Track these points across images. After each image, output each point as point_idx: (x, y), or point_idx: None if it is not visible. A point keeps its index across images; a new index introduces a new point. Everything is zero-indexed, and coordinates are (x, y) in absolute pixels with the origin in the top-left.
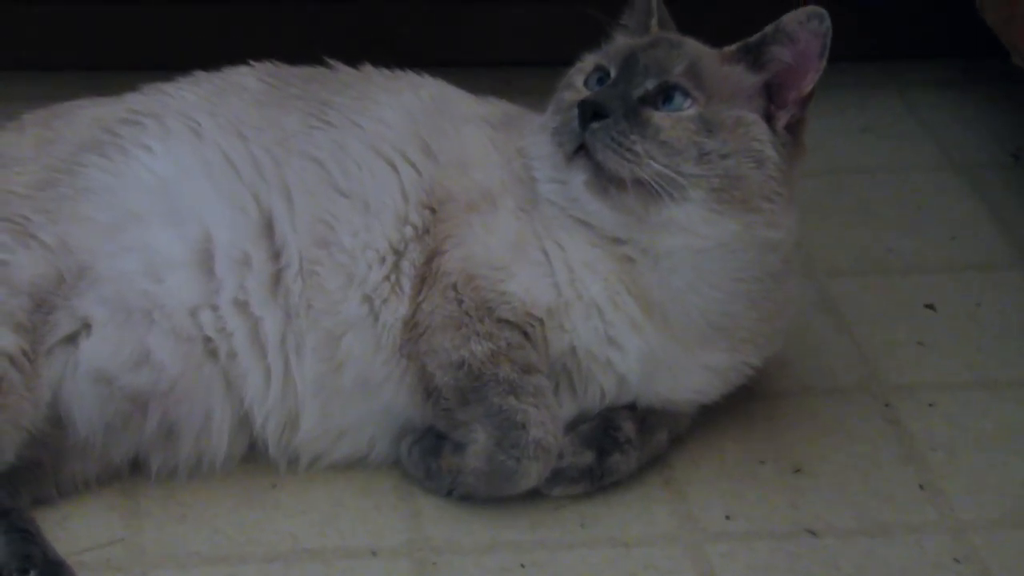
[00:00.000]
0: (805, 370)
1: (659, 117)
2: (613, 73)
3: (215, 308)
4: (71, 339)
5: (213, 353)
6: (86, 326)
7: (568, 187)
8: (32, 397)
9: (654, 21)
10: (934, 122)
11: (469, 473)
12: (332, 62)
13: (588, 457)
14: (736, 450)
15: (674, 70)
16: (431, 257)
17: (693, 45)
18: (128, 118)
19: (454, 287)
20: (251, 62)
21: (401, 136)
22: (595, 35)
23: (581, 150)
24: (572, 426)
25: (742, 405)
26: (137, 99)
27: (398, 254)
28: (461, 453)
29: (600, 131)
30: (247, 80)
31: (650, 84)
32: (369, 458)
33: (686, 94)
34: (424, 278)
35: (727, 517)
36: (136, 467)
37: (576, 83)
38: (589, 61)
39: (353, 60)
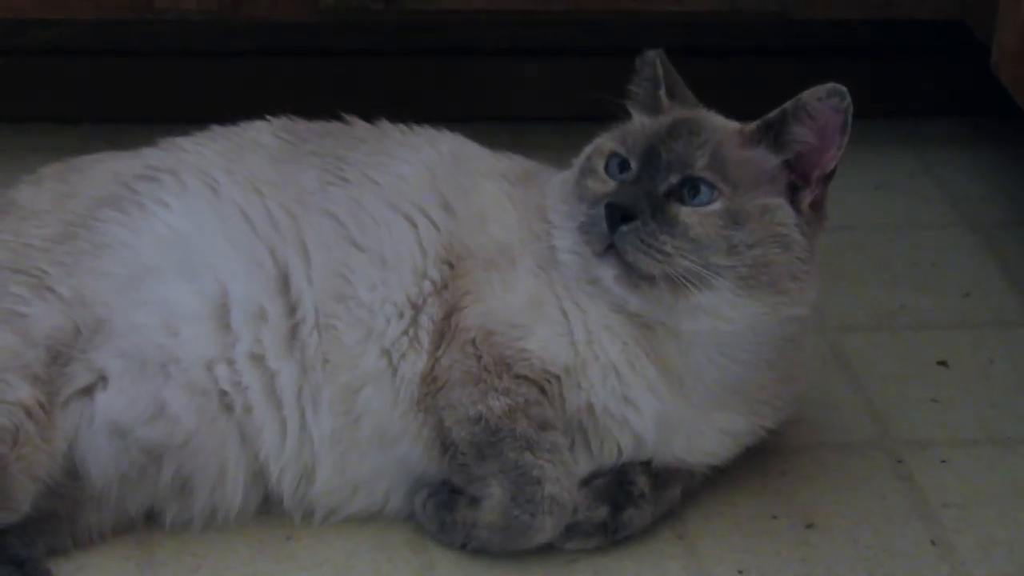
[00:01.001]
0: (818, 426)
1: (686, 213)
2: (634, 165)
3: (231, 362)
4: (87, 391)
5: (228, 407)
6: (102, 379)
7: (597, 279)
8: (48, 448)
9: (662, 92)
10: (949, 180)
11: (484, 527)
12: (348, 117)
13: (602, 512)
14: (749, 505)
15: (697, 163)
16: (450, 312)
17: (712, 128)
18: (145, 174)
19: (473, 343)
20: (267, 117)
21: (419, 191)
22: (607, 90)
23: (611, 249)
24: (586, 481)
25: (755, 460)
26: (154, 155)
27: (416, 308)
28: (476, 507)
29: (629, 234)
30: (263, 136)
31: (674, 178)
32: (384, 512)
33: (711, 187)
34: (443, 333)
35: (740, 572)
36: (151, 518)
37: (598, 169)
38: (607, 144)
39: (370, 114)
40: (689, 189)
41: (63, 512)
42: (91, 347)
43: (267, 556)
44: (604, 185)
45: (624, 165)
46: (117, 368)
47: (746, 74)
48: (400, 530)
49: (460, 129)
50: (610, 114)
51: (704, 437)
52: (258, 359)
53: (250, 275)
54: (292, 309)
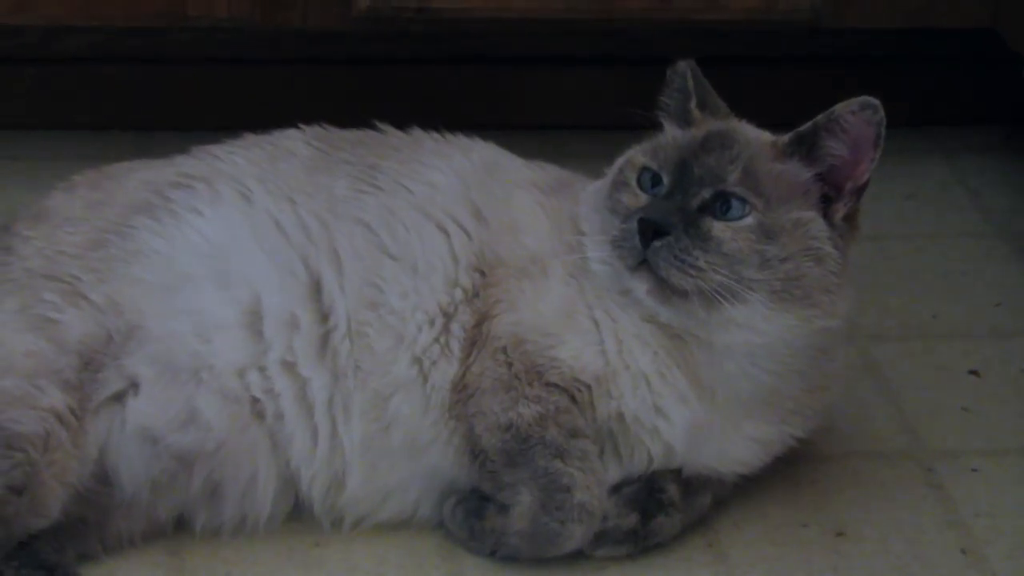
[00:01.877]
0: (849, 434)
1: (719, 228)
2: (666, 180)
3: (263, 369)
4: (118, 398)
5: (260, 414)
6: (133, 385)
7: (629, 291)
8: (79, 454)
9: (693, 105)
10: (979, 189)
11: (513, 534)
12: (381, 125)
13: (632, 519)
14: (779, 513)
15: (729, 178)
16: (481, 320)
17: (744, 141)
18: (179, 182)
19: (504, 351)
20: (300, 125)
21: (451, 199)
22: (640, 98)
23: (643, 264)
24: (616, 488)
25: (786, 468)
26: (188, 163)
27: (448, 316)
28: (505, 515)
29: (663, 249)
30: (296, 145)
31: (706, 193)
32: (413, 519)
33: (744, 201)
34: (474, 341)
35: None
36: (181, 525)
37: (631, 183)
38: (639, 158)
39: (402, 122)
40: (721, 204)
41: (93, 518)
42: (123, 353)
43: (295, 563)
44: (637, 199)
45: (656, 179)
46: (149, 374)
47: (777, 82)
48: (429, 537)
49: (491, 137)
50: (642, 123)
51: (734, 446)
52: (290, 366)
53: (283, 284)
54: (324, 316)
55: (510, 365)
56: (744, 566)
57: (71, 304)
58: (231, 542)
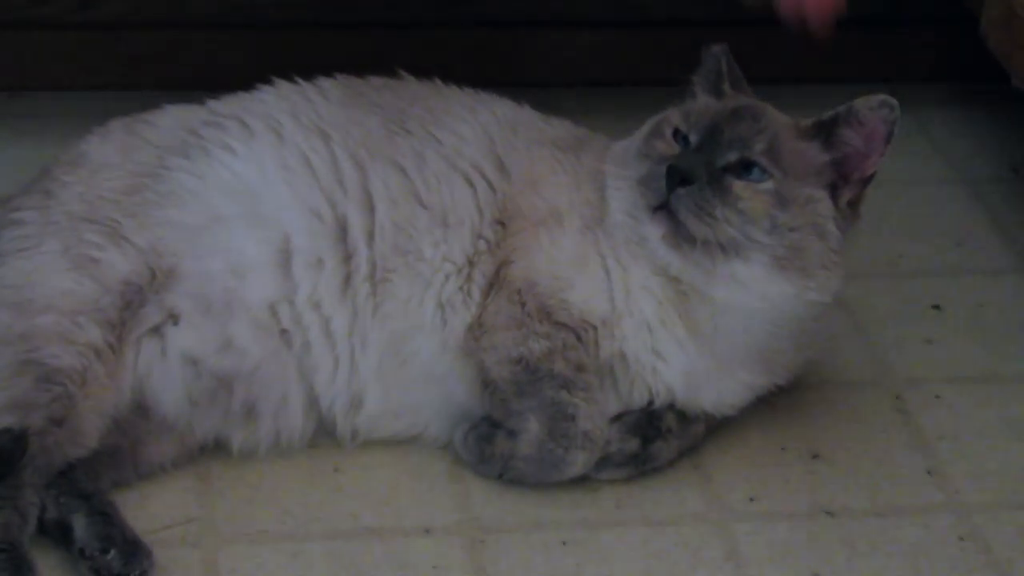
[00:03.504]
0: (823, 365)
1: (739, 186)
2: (694, 138)
3: (292, 304)
4: (158, 329)
5: (288, 343)
6: (173, 316)
7: (644, 235)
8: (115, 387)
9: (726, 85)
10: (942, 139)
11: (520, 459)
12: (402, 73)
13: (634, 444)
14: (759, 437)
15: (755, 147)
16: (499, 267)
17: (771, 118)
18: (211, 120)
19: (518, 292)
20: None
21: (478, 152)
22: (657, 61)
23: (664, 207)
24: (618, 417)
25: (766, 397)
26: (220, 104)
27: (472, 265)
28: (514, 440)
29: (686, 196)
30: (327, 86)
31: (732, 156)
32: (423, 436)
33: (764, 170)
34: (492, 285)
35: (751, 499)
36: (209, 451)
37: (666, 133)
38: (674, 118)
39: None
40: (745, 167)
41: (127, 446)
42: (163, 289)
43: (316, 486)
44: (670, 148)
45: (686, 141)
46: (187, 307)
47: (759, 44)
48: (439, 461)
49: (508, 93)
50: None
51: (728, 392)
52: (316, 304)
53: (311, 227)
54: (347, 257)
55: (523, 305)
56: (727, 486)
57: (114, 244)
58: (255, 468)
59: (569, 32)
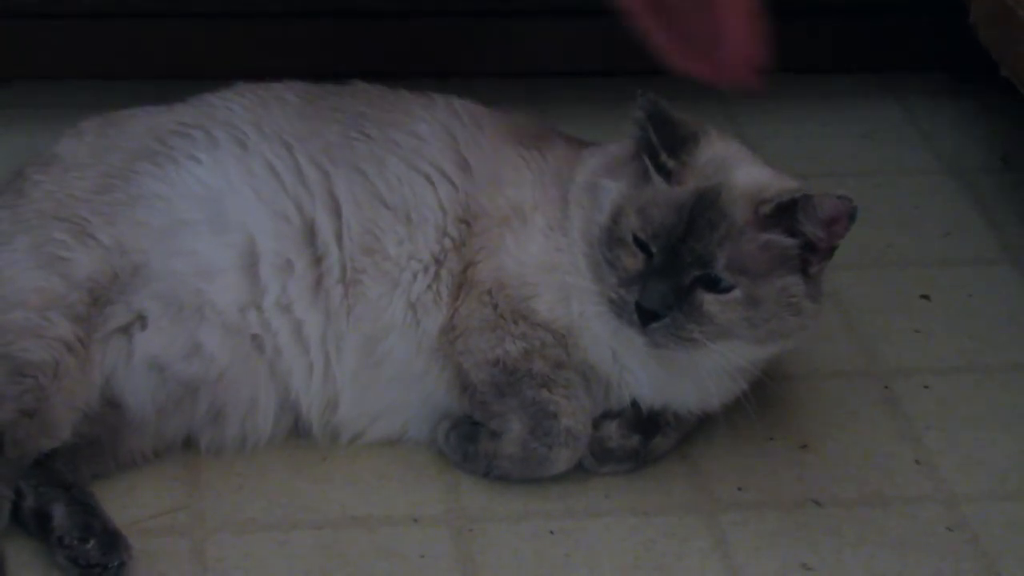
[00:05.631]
0: (811, 355)
1: (709, 301)
2: (656, 252)
3: (261, 309)
4: (125, 330)
5: (260, 347)
6: (140, 318)
7: (625, 333)
8: (86, 380)
9: (664, 157)
10: (930, 129)
11: (504, 458)
12: (355, 81)
13: (635, 440)
14: (748, 428)
15: (718, 263)
16: (466, 267)
17: (730, 217)
18: (178, 130)
19: (488, 293)
20: (283, 81)
21: (437, 150)
22: (618, 49)
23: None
24: (618, 413)
25: (753, 387)
26: (186, 111)
27: (439, 263)
28: (497, 440)
29: (661, 329)
30: (287, 94)
31: (696, 272)
32: (403, 439)
33: (731, 284)
34: (460, 285)
35: (739, 488)
36: (189, 444)
37: (627, 240)
38: (630, 215)
39: (383, 76)
40: (711, 282)
41: (105, 438)
42: (130, 290)
43: (304, 475)
44: (633, 260)
45: (647, 251)
46: (155, 309)
47: None
48: (427, 451)
49: (473, 84)
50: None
51: (707, 394)
52: (285, 308)
53: (277, 229)
54: (318, 260)
55: (495, 306)
56: (716, 476)
57: (80, 243)
58: (243, 457)
59: (532, 21)
